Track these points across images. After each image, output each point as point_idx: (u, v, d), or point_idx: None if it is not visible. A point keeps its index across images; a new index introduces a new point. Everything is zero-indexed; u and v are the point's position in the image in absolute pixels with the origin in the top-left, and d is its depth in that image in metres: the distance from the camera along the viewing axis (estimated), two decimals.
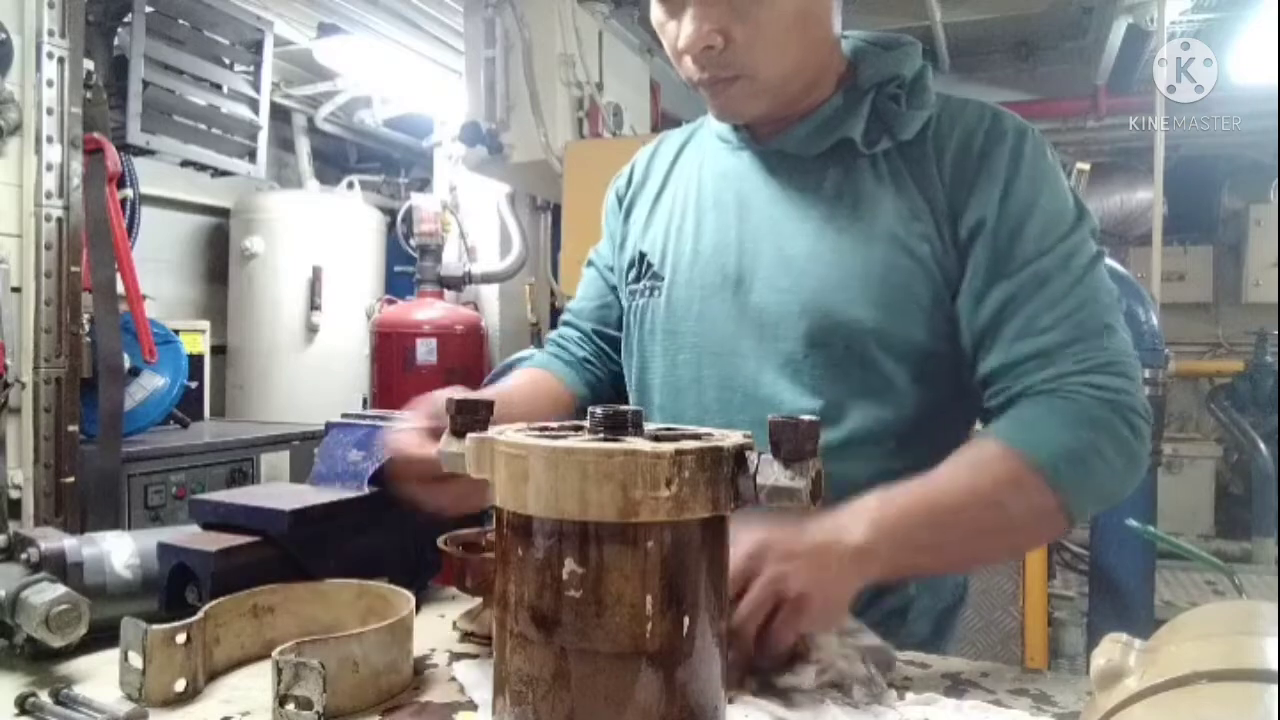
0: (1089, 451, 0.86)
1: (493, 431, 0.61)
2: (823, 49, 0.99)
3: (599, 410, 0.58)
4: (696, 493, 0.54)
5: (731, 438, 0.58)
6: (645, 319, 1.10)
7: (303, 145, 4.81)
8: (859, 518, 0.80)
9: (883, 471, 0.88)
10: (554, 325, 4.43)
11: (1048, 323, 0.90)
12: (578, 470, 0.53)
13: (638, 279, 1.12)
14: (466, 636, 0.90)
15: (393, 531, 0.98)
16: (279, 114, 4.39)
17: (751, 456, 0.56)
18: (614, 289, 1.20)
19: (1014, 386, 0.91)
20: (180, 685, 0.74)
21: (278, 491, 0.98)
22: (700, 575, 0.56)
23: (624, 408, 0.58)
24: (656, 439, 0.56)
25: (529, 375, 1.16)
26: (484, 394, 0.80)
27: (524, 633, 0.56)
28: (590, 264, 1.25)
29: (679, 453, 0.53)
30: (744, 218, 1.04)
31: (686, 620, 0.55)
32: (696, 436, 0.59)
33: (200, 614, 0.77)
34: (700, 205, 1.08)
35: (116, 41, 3.07)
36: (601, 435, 0.57)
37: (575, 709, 0.55)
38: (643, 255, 1.12)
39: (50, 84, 2.29)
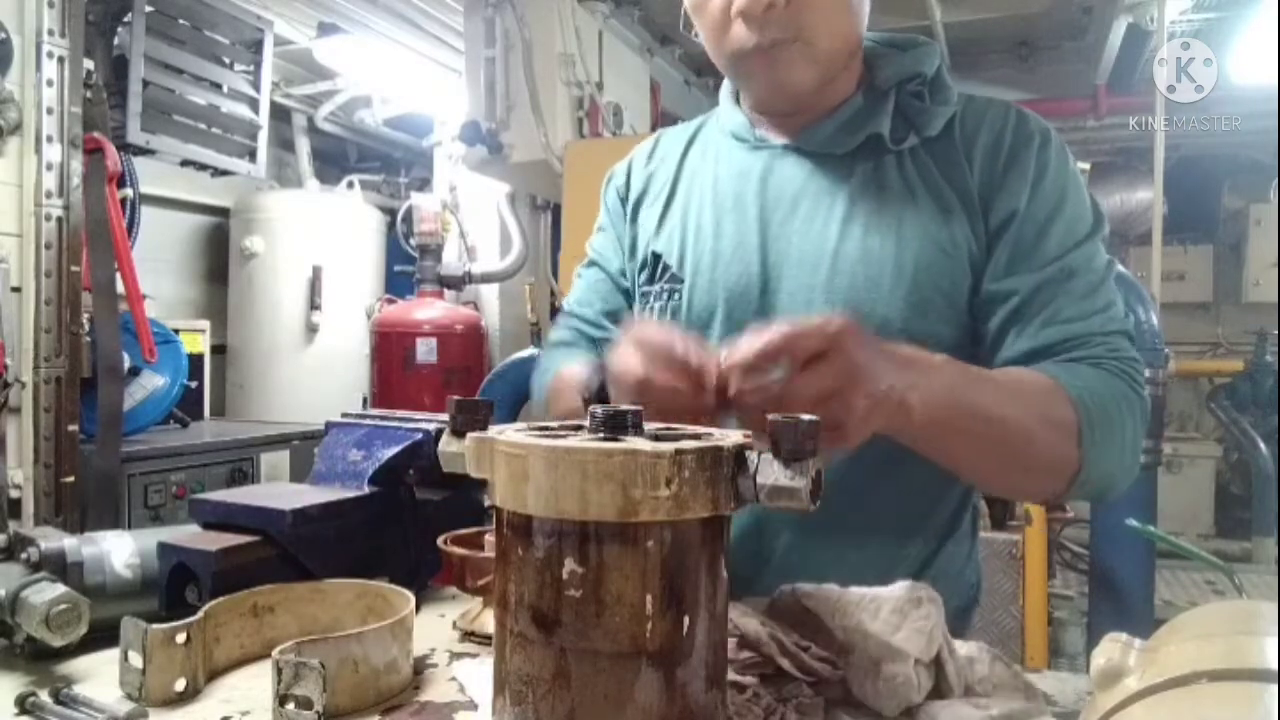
0: (1115, 413, 0.87)
1: (492, 431, 0.60)
2: (860, 31, 0.99)
3: (599, 410, 0.58)
4: (696, 492, 0.54)
5: (731, 437, 0.58)
6: (664, 321, 1.07)
7: (303, 145, 4.81)
8: (932, 379, 0.77)
9: (910, 473, 0.91)
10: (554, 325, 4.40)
11: (1077, 313, 0.91)
12: (578, 470, 0.53)
13: (651, 280, 1.09)
14: (466, 636, 0.90)
15: (393, 531, 0.98)
16: (279, 113, 4.39)
17: (751, 456, 0.56)
18: (625, 292, 1.16)
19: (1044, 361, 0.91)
20: (180, 685, 0.74)
21: (278, 491, 0.98)
22: (700, 575, 0.56)
23: (624, 407, 0.58)
24: (657, 439, 0.56)
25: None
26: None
27: (524, 632, 0.56)
28: (592, 264, 1.20)
29: (679, 452, 0.53)
30: (767, 217, 1.02)
31: (686, 620, 0.55)
32: (696, 436, 0.59)
33: (200, 613, 0.77)
34: (718, 205, 1.06)
35: (116, 41, 3.07)
36: (601, 435, 0.57)
37: (575, 709, 0.55)
38: (657, 256, 1.09)
39: (50, 83, 2.30)
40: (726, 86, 1.13)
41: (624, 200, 1.18)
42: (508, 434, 0.58)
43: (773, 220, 1.02)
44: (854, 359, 0.68)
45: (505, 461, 0.56)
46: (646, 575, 0.54)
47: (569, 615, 0.54)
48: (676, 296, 1.06)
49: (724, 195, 1.06)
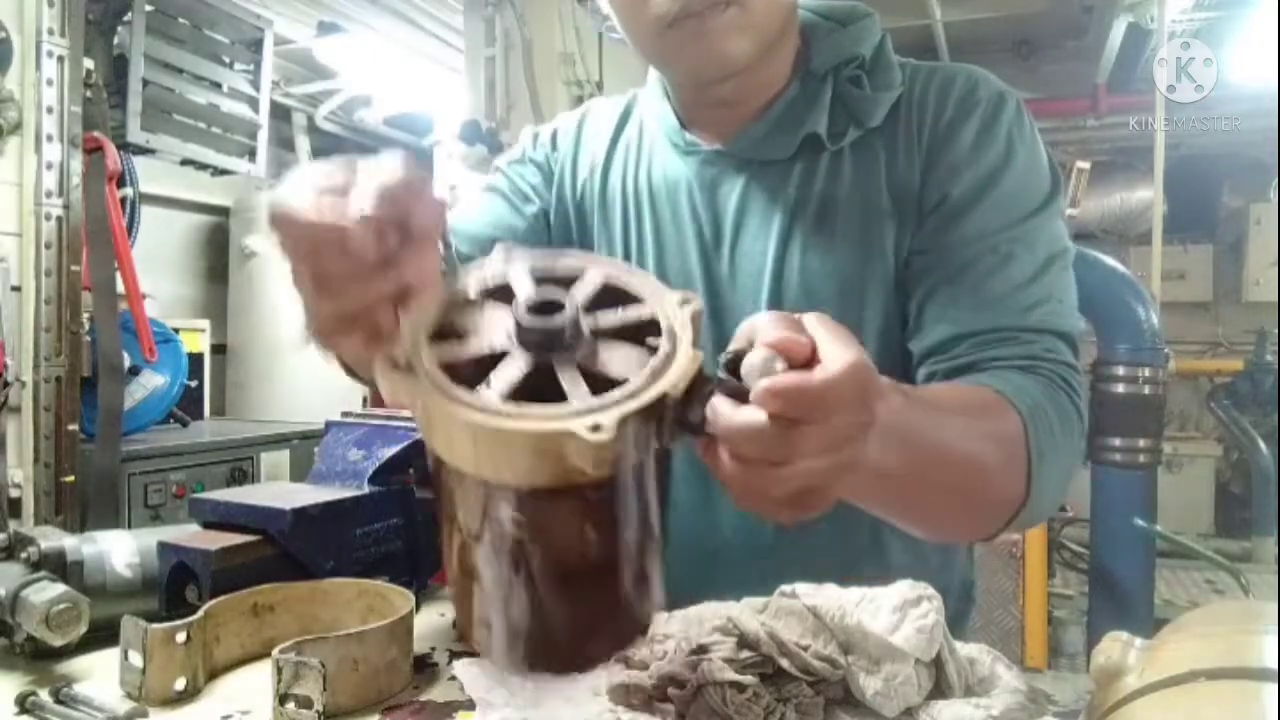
0: (1060, 438, 0.76)
1: (422, 376, 0.54)
2: None
3: (526, 316, 0.53)
4: (638, 442, 0.51)
5: (681, 358, 0.53)
6: None
7: (302, 144, 4.81)
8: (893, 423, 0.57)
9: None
10: None
11: (1012, 304, 0.82)
12: (516, 449, 0.50)
13: None
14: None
15: (392, 530, 0.98)
16: (279, 112, 4.39)
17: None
18: (521, 214, 1.05)
19: (973, 356, 0.80)
20: (180, 684, 0.74)
21: (278, 490, 0.98)
22: (647, 502, 0.54)
23: (551, 298, 0.54)
24: (592, 373, 0.53)
25: None
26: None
27: (468, 544, 0.56)
28: (493, 190, 1.07)
29: (623, 422, 0.49)
30: (706, 236, 0.95)
31: (628, 541, 0.54)
32: (647, 348, 0.54)
33: (200, 613, 0.77)
34: (657, 217, 0.98)
35: (116, 40, 3.06)
36: (531, 355, 0.53)
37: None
38: None
39: (50, 83, 2.29)
40: (654, 73, 1.02)
41: (545, 164, 1.07)
42: (439, 380, 0.53)
43: (710, 241, 0.95)
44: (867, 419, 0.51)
45: (442, 424, 0.52)
46: (586, 513, 0.53)
47: (511, 544, 0.54)
48: None
49: (662, 205, 0.98)
